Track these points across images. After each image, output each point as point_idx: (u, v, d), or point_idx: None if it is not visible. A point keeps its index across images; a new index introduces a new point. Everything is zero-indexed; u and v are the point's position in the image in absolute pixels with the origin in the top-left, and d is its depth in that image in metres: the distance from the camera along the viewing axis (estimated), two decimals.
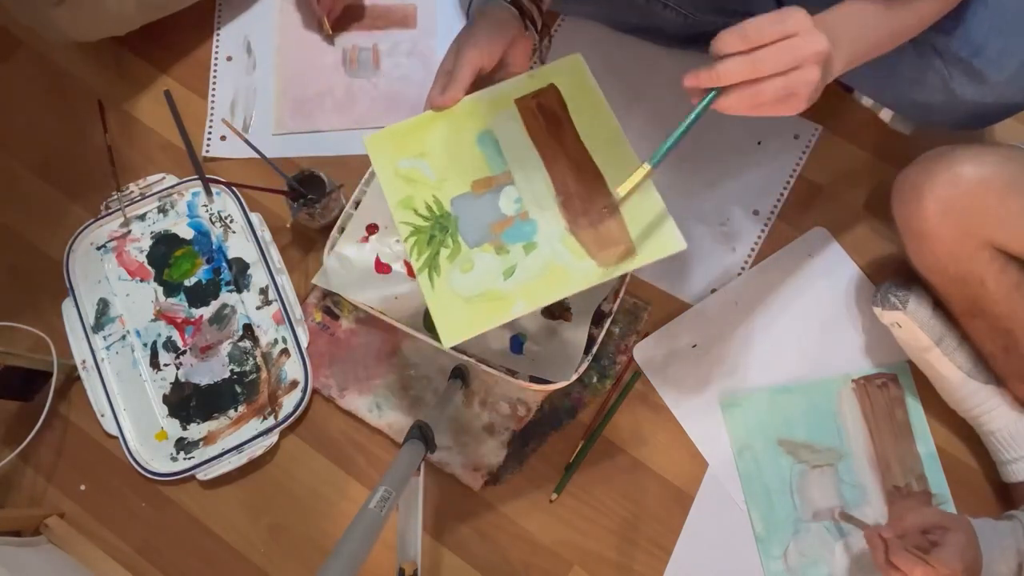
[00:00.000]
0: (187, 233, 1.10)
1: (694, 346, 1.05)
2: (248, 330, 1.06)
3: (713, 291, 1.07)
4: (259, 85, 1.18)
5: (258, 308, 1.07)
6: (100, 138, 1.15)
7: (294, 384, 1.04)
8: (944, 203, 0.85)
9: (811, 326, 1.05)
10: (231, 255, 1.09)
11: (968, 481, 0.99)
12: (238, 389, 1.05)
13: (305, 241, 1.11)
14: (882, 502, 0.98)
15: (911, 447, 1.00)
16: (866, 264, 1.07)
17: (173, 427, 1.04)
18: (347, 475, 1.02)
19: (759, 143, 1.12)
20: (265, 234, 1.09)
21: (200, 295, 1.08)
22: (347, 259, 0.92)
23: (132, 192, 1.12)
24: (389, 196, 0.78)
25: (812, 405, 1.02)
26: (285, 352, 1.05)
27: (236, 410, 1.04)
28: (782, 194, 1.10)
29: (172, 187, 1.11)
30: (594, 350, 0.88)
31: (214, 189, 1.10)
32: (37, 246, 1.13)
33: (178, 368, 1.06)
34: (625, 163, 0.75)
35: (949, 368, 0.95)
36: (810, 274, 1.07)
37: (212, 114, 1.17)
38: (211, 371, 1.05)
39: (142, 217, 1.11)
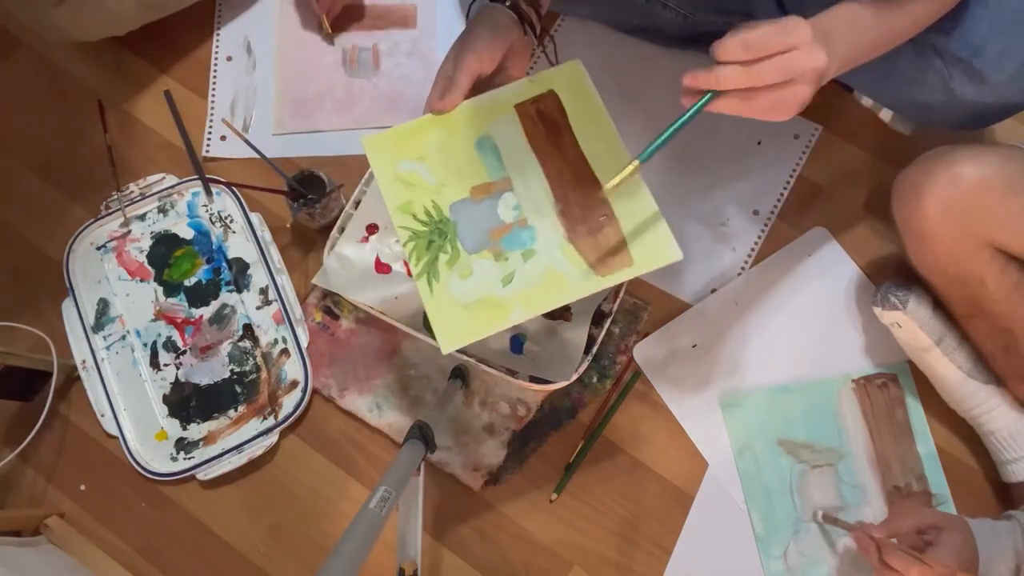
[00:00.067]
0: (187, 233, 1.10)
1: (694, 346, 1.05)
2: (248, 330, 1.06)
3: (713, 291, 1.07)
4: (259, 85, 1.18)
5: (258, 308, 1.07)
6: (100, 138, 1.15)
7: (294, 384, 1.04)
8: (944, 203, 0.85)
9: (811, 326, 1.05)
10: (231, 255, 1.09)
11: (968, 481, 0.99)
12: (238, 389, 1.05)
13: (305, 241, 1.11)
14: (882, 502, 0.98)
15: (911, 447, 1.00)
16: (866, 264, 1.07)
17: (173, 427, 1.04)
18: (347, 475, 1.02)
19: (759, 143, 1.12)
20: (265, 234, 1.09)
21: (200, 295, 1.08)
22: (347, 259, 0.92)
23: (132, 192, 1.12)
24: (388, 200, 0.78)
25: (812, 405, 1.02)
26: (285, 352, 1.05)
27: (236, 410, 1.04)
28: (782, 194, 1.10)
29: (172, 187, 1.11)
30: (594, 350, 0.88)
31: (214, 189, 1.10)
32: (37, 246, 1.13)
33: (178, 368, 1.06)
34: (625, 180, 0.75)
35: (949, 368, 0.95)
36: (810, 274, 1.07)
37: (212, 114, 1.17)
38: (211, 371, 1.05)
39: (142, 217, 1.11)
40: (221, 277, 1.08)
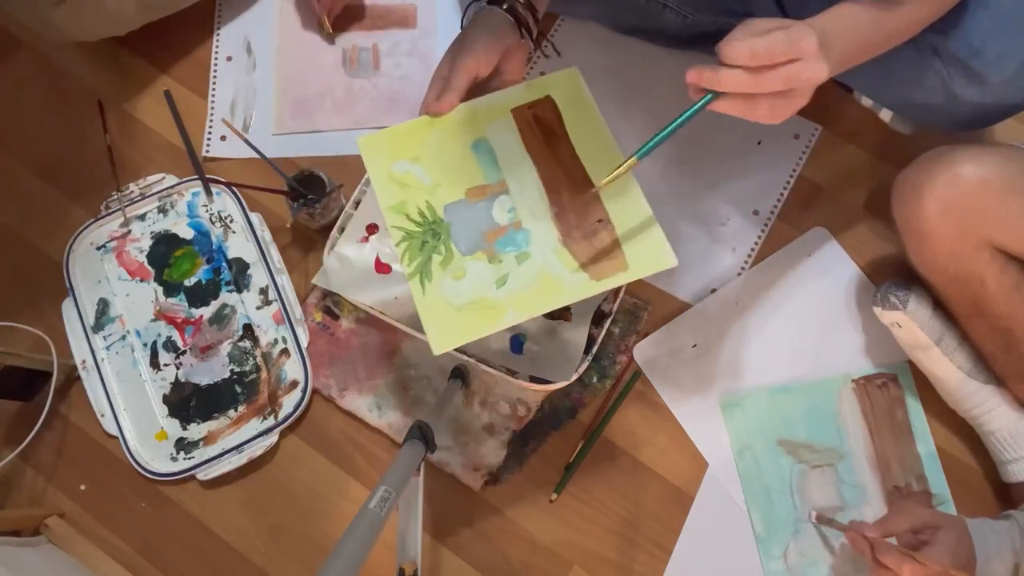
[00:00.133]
0: (187, 233, 1.10)
1: (694, 346, 1.05)
2: (248, 330, 1.06)
3: (713, 291, 1.07)
4: (259, 85, 1.18)
5: (258, 308, 1.07)
6: (100, 138, 1.15)
7: (294, 384, 1.04)
8: (944, 203, 0.85)
9: (811, 326, 1.05)
10: (231, 255, 1.09)
11: (968, 481, 0.99)
12: (238, 389, 1.05)
13: (305, 241, 1.11)
14: (882, 502, 0.98)
15: (911, 447, 1.00)
16: (866, 264, 1.07)
17: (173, 427, 1.04)
18: (347, 475, 1.02)
19: (759, 143, 1.12)
20: (265, 234, 1.09)
21: (200, 295, 1.08)
22: (347, 259, 0.92)
23: (132, 192, 1.12)
24: (382, 200, 0.78)
25: (812, 405, 1.02)
26: (285, 352, 1.05)
27: (236, 410, 1.04)
28: (782, 194, 1.10)
29: (172, 187, 1.11)
30: (594, 350, 0.88)
31: (214, 189, 1.10)
32: (37, 246, 1.13)
33: (178, 368, 1.06)
34: (620, 178, 0.75)
35: (949, 368, 0.95)
36: (810, 274, 1.07)
37: (212, 114, 1.17)
38: (211, 371, 1.05)
39: (142, 217, 1.11)
40: (221, 277, 1.08)
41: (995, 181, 0.84)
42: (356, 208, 0.93)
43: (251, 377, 1.05)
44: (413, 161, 0.79)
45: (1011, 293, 0.88)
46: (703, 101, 0.64)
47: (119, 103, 1.18)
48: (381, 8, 1.21)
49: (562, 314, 0.91)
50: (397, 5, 1.21)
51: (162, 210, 1.11)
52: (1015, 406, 0.94)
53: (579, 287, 0.73)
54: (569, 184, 0.77)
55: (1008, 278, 0.88)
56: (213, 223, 1.10)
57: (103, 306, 1.08)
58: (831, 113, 1.12)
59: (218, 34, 1.21)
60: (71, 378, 1.07)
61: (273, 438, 1.02)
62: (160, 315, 1.07)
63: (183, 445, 1.03)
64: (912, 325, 0.94)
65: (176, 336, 1.07)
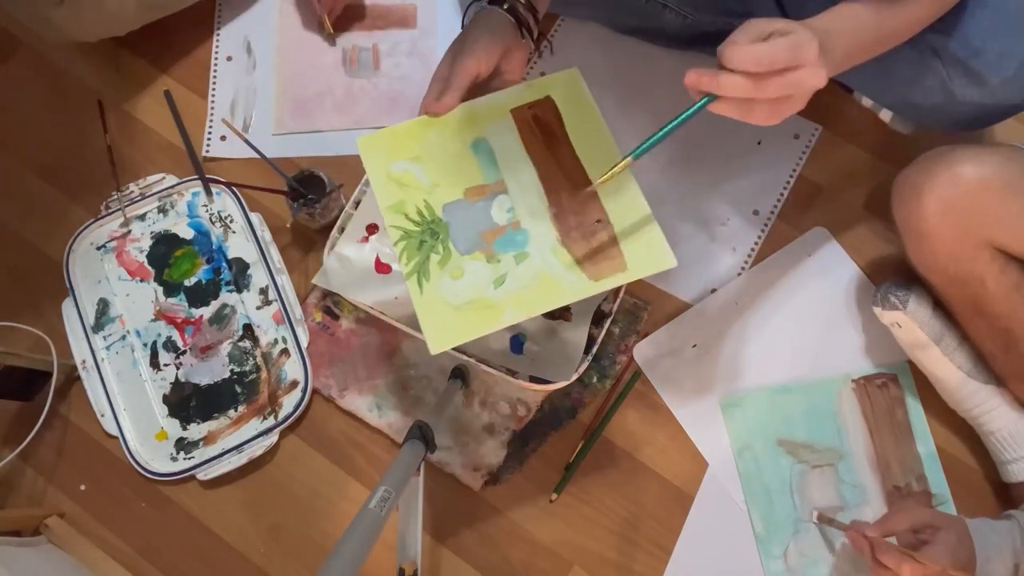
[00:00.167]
0: (187, 233, 1.10)
1: (694, 346, 1.05)
2: (248, 330, 1.06)
3: (713, 291, 1.07)
4: (259, 85, 1.18)
5: (258, 308, 1.07)
6: (100, 138, 1.15)
7: (294, 384, 1.04)
8: (944, 203, 0.85)
9: (811, 326, 1.05)
10: (231, 255, 1.09)
11: (968, 481, 0.99)
12: (238, 389, 1.05)
13: (305, 241, 1.11)
14: (882, 502, 0.98)
15: (911, 447, 1.00)
16: (866, 264, 1.07)
17: (173, 427, 1.04)
18: (347, 475, 1.02)
19: (759, 143, 1.12)
20: (265, 234, 1.09)
21: (200, 295, 1.08)
22: (347, 259, 0.92)
23: (132, 192, 1.12)
24: (380, 199, 0.78)
25: (812, 405, 1.02)
26: (285, 352, 1.05)
27: (236, 410, 1.04)
28: (782, 194, 1.10)
29: (172, 187, 1.11)
30: (594, 350, 0.88)
31: (214, 189, 1.10)
32: (37, 246, 1.13)
33: (178, 368, 1.06)
34: (619, 178, 0.75)
35: (949, 368, 0.95)
36: (810, 274, 1.07)
37: (212, 114, 1.17)
38: (211, 371, 1.05)
39: (142, 217, 1.11)
40: (221, 277, 1.08)
41: (995, 181, 0.84)
42: (356, 208, 0.93)
43: (251, 377, 1.05)
44: (412, 161, 0.79)
45: (1011, 293, 0.88)
46: (700, 104, 0.64)
47: (119, 103, 1.18)
48: (381, 8, 1.21)
49: (562, 314, 0.91)
50: (397, 5, 1.21)
51: (162, 210, 1.11)
52: (1015, 406, 0.94)
53: (578, 287, 0.73)
54: (568, 185, 0.77)
55: (1008, 278, 0.88)
56: (213, 223, 1.10)
57: (103, 306, 1.08)
58: (831, 113, 1.12)
59: (218, 34, 1.21)
60: (71, 378, 1.07)
61: (273, 438, 1.02)
62: (160, 315, 1.07)
63: (183, 445, 1.03)
64: (912, 325, 0.94)
65: (176, 336, 1.07)
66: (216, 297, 1.08)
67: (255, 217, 1.09)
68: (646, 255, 0.74)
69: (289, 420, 1.02)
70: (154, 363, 1.06)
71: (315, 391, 1.04)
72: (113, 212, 1.10)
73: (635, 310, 1.06)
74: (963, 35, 0.83)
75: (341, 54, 1.19)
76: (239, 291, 1.07)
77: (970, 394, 0.95)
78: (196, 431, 1.03)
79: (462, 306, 0.73)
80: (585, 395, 1.03)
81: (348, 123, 1.15)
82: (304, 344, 1.04)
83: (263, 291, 1.07)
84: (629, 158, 0.67)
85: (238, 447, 1.02)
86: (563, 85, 0.81)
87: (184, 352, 1.06)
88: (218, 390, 1.05)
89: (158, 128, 1.17)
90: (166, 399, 1.05)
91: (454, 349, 0.75)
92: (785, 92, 0.62)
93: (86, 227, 1.10)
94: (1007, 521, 0.88)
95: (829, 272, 1.07)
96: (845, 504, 0.98)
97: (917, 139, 1.08)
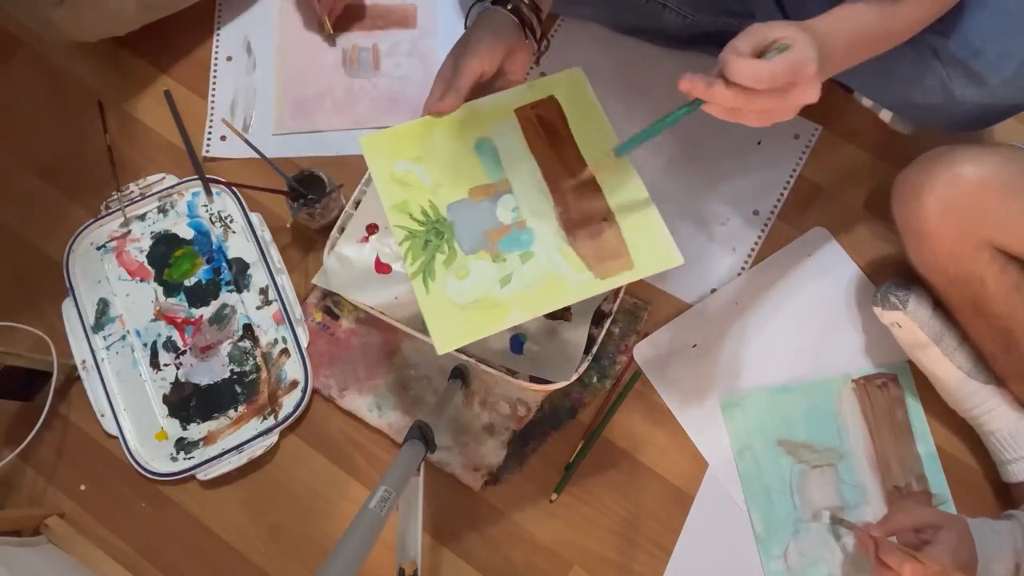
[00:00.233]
0: (187, 233, 1.10)
1: (694, 346, 1.05)
2: (248, 330, 1.06)
3: (713, 291, 1.07)
4: (259, 85, 1.18)
5: (258, 308, 1.07)
6: (100, 138, 1.15)
7: (294, 384, 1.04)
8: (944, 203, 0.85)
9: (811, 326, 1.05)
10: (231, 255, 1.09)
11: (968, 481, 0.99)
12: (238, 389, 1.05)
13: (305, 241, 1.11)
14: (882, 502, 0.98)
15: (911, 447, 1.00)
16: (866, 264, 1.07)
17: (173, 427, 1.04)
18: (347, 475, 1.02)
19: (759, 143, 1.12)
20: (265, 234, 1.09)
21: (200, 295, 1.08)
22: (347, 259, 0.92)
23: (132, 192, 1.12)
24: (384, 199, 0.78)
25: (812, 405, 1.02)
26: (285, 352, 1.05)
27: (236, 410, 1.04)
28: (782, 194, 1.10)
29: (172, 187, 1.11)
30: (594, 350, 0.88)
31: (214, 189, 1.10)
32: (37, 246, 1.13)
33: (178, 368, 1.06)
34: (623, 176, 0.75)
35: (949, 368, 0.95)
36: (810, 274, 1.07)
37: (212, 114, 1.17)
38: (211, 371, 1.05)
39: (142, 217, 1.11)
40: (221, 277, 1.08)
41: (995, 181, 0.84)
42: (356, 208, 0.93)
43: (251, 377, 1.05)
44: (414, 161, 0.79)
45: (1011, 293, 0.88)
46: (691, 107, 0.64)
47: (119, 103, 1.18)
48: (381, 8, 1.21)
49: (562, 314, 0.91)
50: (397, 5, 1.21)
51: (162, 210, 1.11)
52: (1015, 406, 0.94)
53: (584, 286, 0.73)
54: (573, 183, 0.77)
55: (1008, 278, 0.88)
56: (213, 223, 1.10)
57: (103, 306, 1.08)
58: (831, 113, 1.12)
59: (218, 34, 1.21)
60: (71, 378, 1.07)
61: (273, 438, 1.02)
62: (160, 315, 1.07)
63: (183, 445, 1.03)
64: (912, 325, 0.94)
65: (176, 336, 1.07)
66: (216, 297, 1.08)
67: (255, 217, 1.09)
68: (652, 253, 0.73)
69: (289, 420, 1.02)
70: (154, 363, 1.06)
71: (315, 391, 1.04)
72: (113, 212, 1.10)
73: (635, 310, 1.06)
74: (963, 35, 0.83)
75: (341, 54, 1.19)
76: (239, 291, 1.07)
77: (970, 394, 0.95)
78: (196, 431, 1.03)
79: (468, 306, 0.73)
80: (585, 395, 1.03)
81: (348, 123, 1.15)
82: (304, 344, 1.04)
83: (263, 291, 1.07)
84: (610, 157, 0.68)
85: (238, 447, 1.02)
86: (566, 85, 0.81)
87: (184, 352, 1.06)
88: (218, 390, 1.05)
89: (158, 128, 1.17)
90: (166, 399, 1.05)
91: (455, 349, 0.75)
92: (775, 104, 0.62)
93: (86, 227, 1.10)
94: (1008, 521, 0.88)
95: (829, 272, 1.07)
96: (845, 504, 0.98)
97: (917, 139, 1.08)
